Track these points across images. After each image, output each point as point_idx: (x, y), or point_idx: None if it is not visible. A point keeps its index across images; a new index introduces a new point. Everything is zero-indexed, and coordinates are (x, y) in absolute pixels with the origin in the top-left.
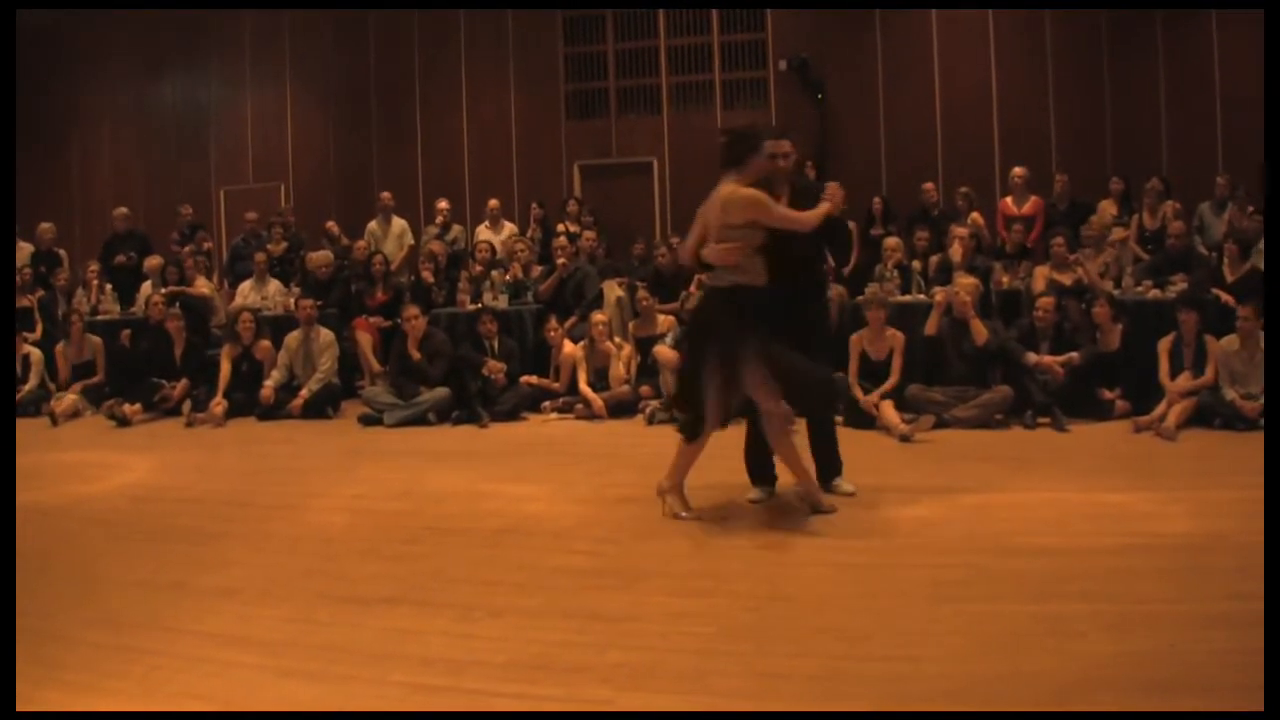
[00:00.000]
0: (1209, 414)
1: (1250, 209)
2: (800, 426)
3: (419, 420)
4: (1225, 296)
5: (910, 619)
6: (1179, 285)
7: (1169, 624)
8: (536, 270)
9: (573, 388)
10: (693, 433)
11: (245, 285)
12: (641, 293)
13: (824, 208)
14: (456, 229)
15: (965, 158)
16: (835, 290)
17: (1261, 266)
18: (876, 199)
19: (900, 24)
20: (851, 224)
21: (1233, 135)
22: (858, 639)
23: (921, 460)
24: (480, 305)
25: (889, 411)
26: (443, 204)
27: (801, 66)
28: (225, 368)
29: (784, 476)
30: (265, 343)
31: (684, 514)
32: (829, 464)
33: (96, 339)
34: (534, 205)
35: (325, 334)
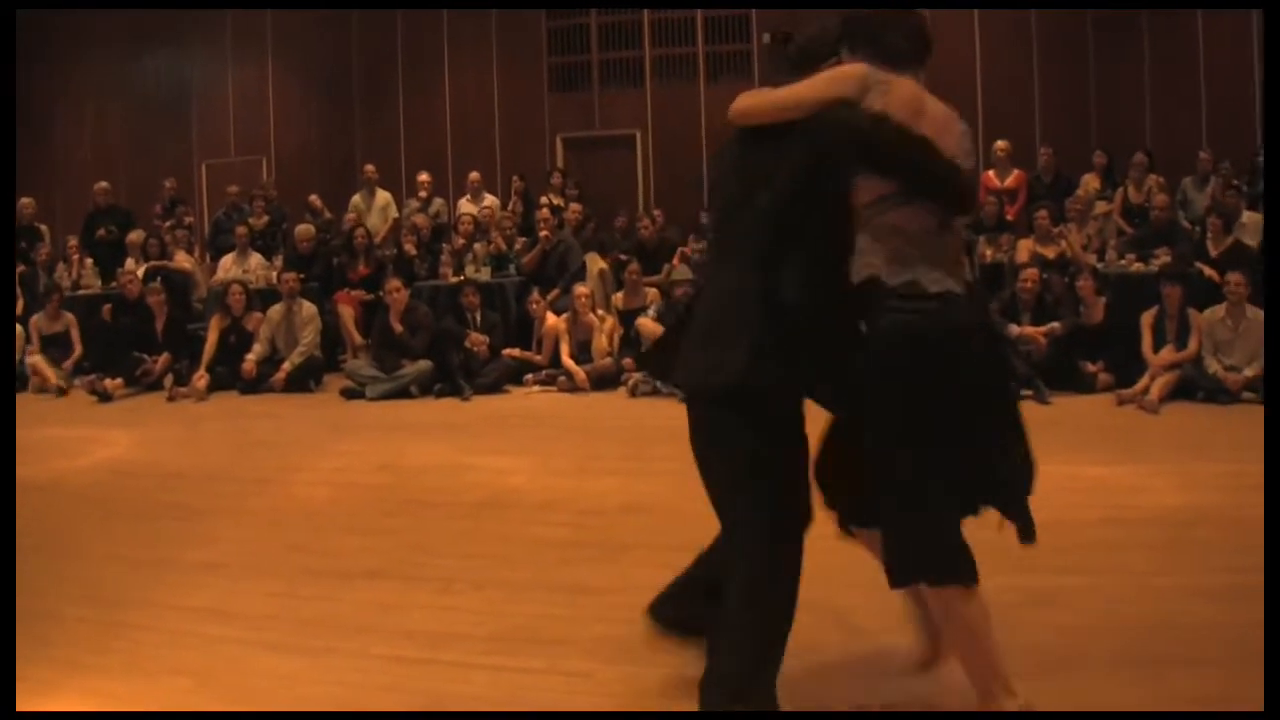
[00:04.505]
0: (1192, 387)
1: (1235, 184)
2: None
3: (401, 393)
4: (1209, 271)
5: (896, 592)
6: (1162, 259)
7: (1155, 597)
8: (519, 242)
9: (555, 360)
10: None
11: (227, 259)
12: (633, 265)
13: None
14: (438, 202)
15: None
16: None
17: (1245, 240)
18: None
19: None
20: None
21: (1216, 110)
22: (843, 612)
23: None
24: (463, 278)
25: None
26: (424, 177)
27: (785, 41)
28: (212, 338)
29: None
30: (257, 314)
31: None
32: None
33: (70, 315)
34: (515, 178)
35: (308, 307)
